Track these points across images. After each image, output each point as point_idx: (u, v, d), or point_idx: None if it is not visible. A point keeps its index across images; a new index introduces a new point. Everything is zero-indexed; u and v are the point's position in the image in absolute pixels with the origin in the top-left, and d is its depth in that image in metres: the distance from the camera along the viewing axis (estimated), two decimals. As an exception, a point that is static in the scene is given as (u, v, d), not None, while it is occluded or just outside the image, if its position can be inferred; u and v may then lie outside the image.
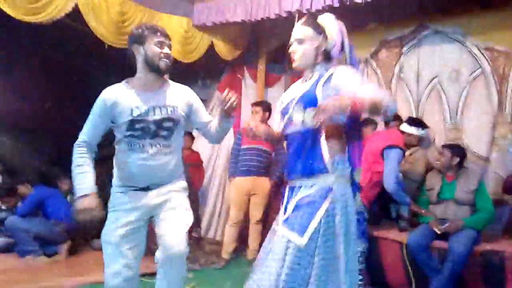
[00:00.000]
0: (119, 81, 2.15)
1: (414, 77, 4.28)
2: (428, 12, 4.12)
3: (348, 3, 3.62)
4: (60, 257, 4.12)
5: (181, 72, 5.15)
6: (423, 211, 3.38)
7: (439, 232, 3.14)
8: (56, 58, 4.94)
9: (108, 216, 2.06)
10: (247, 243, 4.31)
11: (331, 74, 1.80)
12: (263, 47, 5.21)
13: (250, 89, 5.42)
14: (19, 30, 3.83)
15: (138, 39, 2.06)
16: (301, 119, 1.79)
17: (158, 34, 2.06)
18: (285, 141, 1.97)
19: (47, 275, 3.58)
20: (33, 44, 4.60)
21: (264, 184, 4.19)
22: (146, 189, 2.07)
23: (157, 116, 2.03)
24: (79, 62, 4.93)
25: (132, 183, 2.07)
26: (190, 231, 5.12)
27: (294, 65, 1.91)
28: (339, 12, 4.00)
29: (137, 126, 2.01)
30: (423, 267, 3.12)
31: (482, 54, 3.87)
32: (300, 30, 1.88)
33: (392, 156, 3.33)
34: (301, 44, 1.86)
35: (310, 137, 1.80)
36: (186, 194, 2.19)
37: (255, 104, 4.40)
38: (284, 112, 1.94)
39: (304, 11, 3.81)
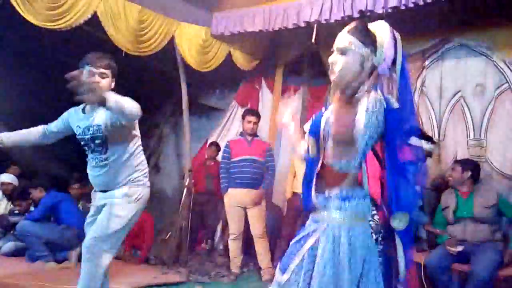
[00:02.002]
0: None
1: (436, 91, 4.14)
2: (452, 25, 3.99)
3: (368, 14, 3.54)
4: (70, 263, 4.09)
5: (199, 82, 5.17)
6: (438, 231, 3.23)
7: (454, 253, 3.00)
8: (76, 65, 4.99)
9: None
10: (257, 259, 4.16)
11: (381, 100, 1.51)
12: (281, 57, 5.17)
13: (267, 100, 5.36)
14: (38, 35, 3.88)
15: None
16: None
17: (88, 62, 2.24)
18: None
19: (56, 281, 3.54)
20: (51, 50, 4.66)
21: (258, 196, 4.07)
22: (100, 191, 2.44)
23: (89, 135, 2.33)
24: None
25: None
26: (200, 243, 5.10)
27: (332, 78, 1.62)
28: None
29: (82, 143, 2.39)
30: (441, 289, 2.96)
31: (509, 68, 3.71)
32: (344, 38, 1.57)
33: None
34: (344, 54, 1.56)
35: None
36: (126, 199, 2.36)
37: (250, 112, 4.30)
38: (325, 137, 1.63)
39: (323, 22, 3.75)
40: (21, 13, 3.27)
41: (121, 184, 2.36)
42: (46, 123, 2.55)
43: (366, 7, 3.47)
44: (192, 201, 4.72)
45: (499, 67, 3.77)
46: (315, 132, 1.69)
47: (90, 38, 3.86)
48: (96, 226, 2.31)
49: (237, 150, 4.12)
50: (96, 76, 2.23)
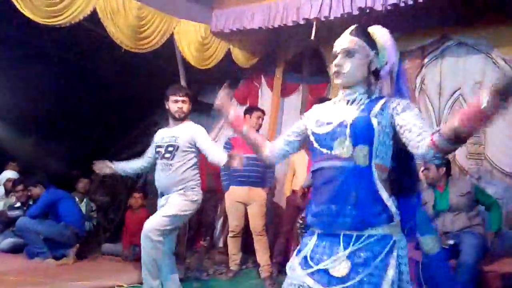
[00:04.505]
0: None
1: (435, 89, 4.14)
2: (451, 23, 3.99)
3: (368, 11, 3.53)
4: (68, 260, 4.09)
5: (198, 79, 5.16)
6: None
7: (447, 247, 3.06)
8: (76, 62, 5.00)
9: None
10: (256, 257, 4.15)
11: (384, 104, 1.47)
12: (281, 55, 5.15)
13: (266, 98, 5.35)
14: (39, 32, 3.88)
15: (165, 97, 3.10)
16: (348, 155, 1.45)
17: (176, 94, 3.05)
18: (313, 175, 1.58)
19: (53, 278, 3.55)
20: (51, 47, 4.66)
21: (259, 194, 4.07)
22: (162, 195, 3.08)
23: (165, 143, 3.03)
24: (98, 66, 4.96)
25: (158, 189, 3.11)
26: (198, 240, 5.08)
27: (339, 81, 1.54)
28: (358, 21, 3.97)
29: (157, 149, 3.08)
30: (440, 286, 2.97)
31: (508, 65, 3.70)
32: (350, 40, 1.53)
33: None
34: (351, 56, 1.51)
35: (362, 177, 1.43)
36: (182, 197, 2.96)
37: (257, 108, 4.36)
38: (320, 139, 1.53)
39: (322, 19, 3.75)
40: (20, 9, 3.26)
41: (179, 188, 2.95)
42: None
43: (366, 4, 3.47)
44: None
45: (498, 64, 3.77)
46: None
47: (90, 35, 3.87)
48: (153, 218, 2.87)
49: (239, 147, 4.11)
50: (179, 102, 3.03)
